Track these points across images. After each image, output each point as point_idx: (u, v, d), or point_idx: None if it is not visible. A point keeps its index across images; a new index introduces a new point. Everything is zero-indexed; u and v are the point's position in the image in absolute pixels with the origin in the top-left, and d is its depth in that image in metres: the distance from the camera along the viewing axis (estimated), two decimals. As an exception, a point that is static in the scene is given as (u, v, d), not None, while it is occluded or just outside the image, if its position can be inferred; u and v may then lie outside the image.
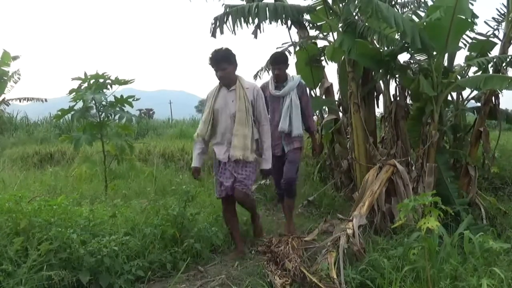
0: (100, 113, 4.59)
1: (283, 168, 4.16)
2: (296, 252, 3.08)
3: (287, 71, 4.28)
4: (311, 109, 4.43)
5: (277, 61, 4.23)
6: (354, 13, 4.88)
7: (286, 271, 2.88)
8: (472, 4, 4.19)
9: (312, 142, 4.68)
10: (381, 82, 5.23)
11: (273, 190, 5.88)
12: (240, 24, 4.65)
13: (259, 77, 6.56)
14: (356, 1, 4.57)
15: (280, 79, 4.21)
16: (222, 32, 4.74)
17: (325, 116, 6.19)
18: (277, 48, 6.13)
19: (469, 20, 4.11)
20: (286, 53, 4.39)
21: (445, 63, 4.87)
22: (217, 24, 4.73)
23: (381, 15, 3.93)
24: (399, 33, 4.29)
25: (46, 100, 15.42)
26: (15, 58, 13.31)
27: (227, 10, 4.94)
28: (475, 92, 5.06)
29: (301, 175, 6.03)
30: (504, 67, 4.80)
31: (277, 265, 3.03)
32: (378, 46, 4.86)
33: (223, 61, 3.45)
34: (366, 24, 4.48)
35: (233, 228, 3.69)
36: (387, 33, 4.44)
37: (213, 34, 4.84)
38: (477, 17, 4.32)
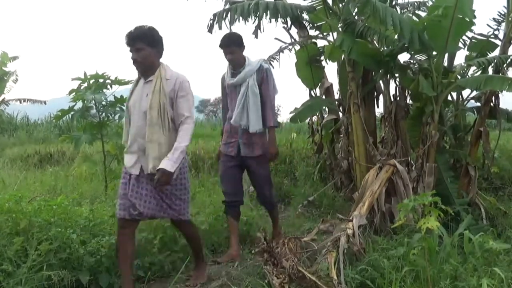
0: (100, 113, 4.60)
1: (240, 177, 3.69)
2: (293, 252, 3.08)
3: (245, 54, 3.60)
4: (273, 100, 3.62)
5: (227, 43, 3.53)
6: (353, 13, 4.88)
7: (283, 269, 2.88)
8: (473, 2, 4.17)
9: (268, 140, 3.64)
10: (381, 82, 5.23)
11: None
12: (239, 20, 4.64)
13: None
14: (353, 2, 4.58)
15: (235, 64, 3.56)
16: (220, 28, 4.74)
17: (325, 116, 6.19)
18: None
19: (469, 20, 4.11)
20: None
21: (445, 63, 4.87)
22: (216, 20, 4.73)
23: (379, 16, 3.93)
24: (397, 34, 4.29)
25: (45, 102, 15.44)
26: (14, 58, 13.32)
27: (227, 5, 4.94)
28: (475, 92, 5.06)
29: (301, 175, 6.04)
30: (504, 68, 4.80)
31: (275, 266, 3.02)
32: (378, 46, 4.87)
33: (138, 39, 2.67)
34: (366, 24, 4.49)
35: (125, 270, 2.70)
36: (387, 33, 4.44)
37: (210, 30, 4.84)
38: (475, 17, 4.32)
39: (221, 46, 3.55)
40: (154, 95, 2.67)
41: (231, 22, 4.61)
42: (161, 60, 2.81)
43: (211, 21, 4.79)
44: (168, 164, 2.59)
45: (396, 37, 4.54)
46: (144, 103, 2.71)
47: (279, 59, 6.29)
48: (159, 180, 2.59)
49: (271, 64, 6.39)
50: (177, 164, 2.62)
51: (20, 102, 14.73)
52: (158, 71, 2.73)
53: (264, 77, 3.53)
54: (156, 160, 2.63)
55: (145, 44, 2.67)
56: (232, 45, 3.51)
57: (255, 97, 3.46)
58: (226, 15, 4.67)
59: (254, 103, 3.45)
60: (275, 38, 6.02)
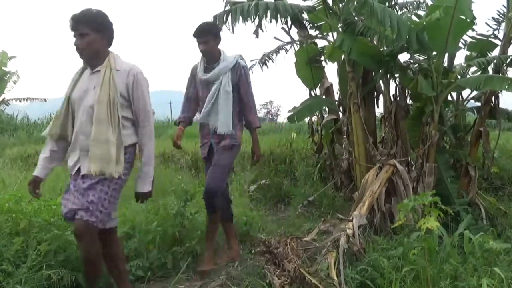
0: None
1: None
2: (295, 253, 3.08)
3: (220, 48, 3.33)
4: (253, 99, 3.37)
5: (201, 33, 3.22)
6: (353, 13, 4.89)
7: (285, 272, 2.88)
8: (473, 2, 4.17)
9: (252, 144, 3.45)
10: (381, 82, 5.23)
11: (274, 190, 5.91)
12: (239, 21, 4.64)
13: (252, 71, 6.54)
14: (352, 2, 4.58)
15: (209, 57, 3.28)
16: (220, 30, 4.75)
17: (325, 116, 6.20)
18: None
19: (470, 20, 4.11)
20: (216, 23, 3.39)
21: (445, 63, 4.87)
22: (217, 22, 4.74)
23: (377, 17, 3.94)
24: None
25: (46, 100, 15.43)
26: (12, 58, 13.34)
27: (228, 6, 4.94)
28: (475, 92, 5.07)
29: (301, 175, 6.04)
30: (504, 67, 4.80)
31: (276, 266, 3.03)
32: (378, 46, 4.87)
33: (83, 24, 2.36)
34: (366, 24, 4.49)
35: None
36: (387, 33, 4.44)
37: None
38: (475, 18, 4.33)
39: (194, 35, 3.25)
40: (103, 88, 2.34)
41: (233, 24, 4.61)
42: (111, 49, 2.50)
43: None
44: (144, 185, 2.46)
45: (395, 37, 4.55)
46: (90, 97, 2.37)
47: (275, 59, 6.32)
48: (140, 202, 2.53)
49: (266, 63, 6.40)
50: (151, 178, 2.47)
51: (20, 101, 14.73)
52: (107, 61, 2.41)
53: (241, 76, 3.28)
54: (101, 163, 2.31)
55: (90, 29, 2.36)
56: (206, 35, 3.21)
57: (227, 97, 3.20)
58: (227, 17, 4.67)
59: (226, 103, 3.19)
60: (275, 37, 6.04)
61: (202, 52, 3.27)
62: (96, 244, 2.38)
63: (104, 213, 2.35)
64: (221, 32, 3.38)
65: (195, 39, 3.26)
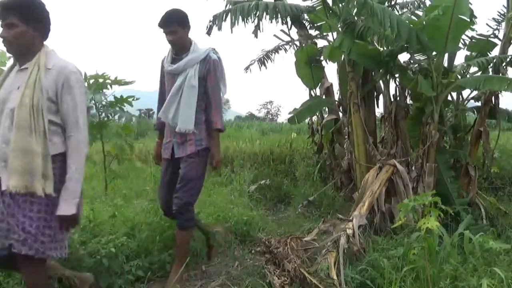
0: (100, 113, 4.60)
1: (174, 183, 2.95)
2: (295, 253, 3.08)
3: (191, 38, 3.02)
4: (220, 97, 3.04)
5: (167, 22, 2.91)
6: (353, 13, 4.89)
7: (285, 272, 2.89)
8: (471, 4, 4.18)
9: (212, 146, 3.02)
10: (381, 82, 5.23)
11: (273, 190, 5.91)
12: (238, 23, 4.65)
13: (250, 70, 6.55)
14: (352, 3, 4.59)
15: (178, 48, 2.99)
16: (220, 29, 4.75)
17: (325, 116, 6.20)
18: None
19: (469, 20, 4.12)
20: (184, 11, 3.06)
21: (445, 63, 4.87)
22: (216, 22, 4.74)
23: (376, 18, 3.94)
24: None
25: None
26: (11, 57, 13.33)
27: (228, 6, 4.95)
28: (475, 92, 5.07)
29: (301, 175, 6.04)
30: (504, 67, 4.81)
31: (276, 266, 3.03)
32: (377, 46, 4.87)
33: (12, 13, 2.00)
34: (366, 24, 4.49)
35: None
36: (387, 33, 4.45)
37: (208, 32, 4.85)
38: (475, 17, 4.33)
39: (160, 25, 2.93)
40: (27, 88, 1.98)
41: (232, 25, 4.61)
42: (46, 43, 2.14)
43: (210, 23, 4.80)
44: (67, 206, 1.98)
45: (395, 37, 4.56)
46: (13, 98, 2.00)
47: (273, 58, 6.32)
48: (63, 228, 2.02)
49: (265, 63, 6.40)
50: (78, 199, 2.01)
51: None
52: (37, 58, 2.05)
53: (210, 70, 2.96)
54: (20, 176, 1.92)
55: (19, 19, 2.00)
56: (173, 24, 2.90)
57: (191, 91, 2.89)
58: (226, 17, 4.67)
59: (189, 98, 2.89)
60: (275, 35, 6.04)
61: (170, 43, 2.98)
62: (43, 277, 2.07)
63: (46, 244, 1.97)
64: (189, 19, 3.00)
65: (161, 30, 2.95)
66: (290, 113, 5.59)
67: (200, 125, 2.97)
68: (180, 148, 2.95)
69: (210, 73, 2.96)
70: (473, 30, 4.97)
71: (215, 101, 2.99)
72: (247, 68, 6.56)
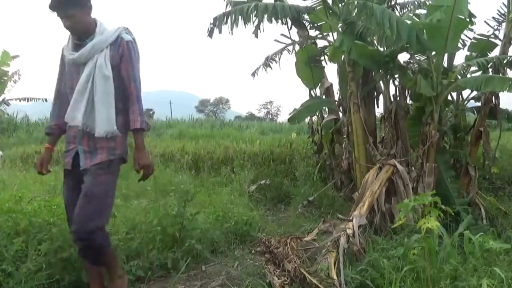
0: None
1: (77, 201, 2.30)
2: (295, 253, 3.08)
3: (96, 18, 2.46)
4: (139, 88, 2.44)
5: (59, 5, 2.31)
6: (353, 14, 4.90)
7: (285, 272, 2.89)
8: (469, 3, 4.18)
9: (136, 149, 2.44)
10: (381, 82, 5.23)
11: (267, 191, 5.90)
12: (238, 24, 4.65)
13: (257, 74, 6.56)
14: (351, 4, 4.59)
15: (80, 33, 2.40)
16: (220, 32, 4.76)
17: (325, 116, 6.20)
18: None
19: (469, 19, 4.12)
20: None
21: (445, 63, 4.87)
22: (216, 24, 4.75)
23: (376, 19, 3.94)
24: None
25: (46, 100, 15.42)
26: (14, 57, 13.32)
27: (228, 7, 4.96)
28: (475, 92, 5.07)
29: (301, 175, 6.04)
30: (504, 67, 4.81)
31: (276, 266, 3.03)
32: (378, 46, 4.87)
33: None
34: (366, 24, 4.49)
35: None
36: (387, 33, 4.45)
37: (210, 34, 4.87)
38: (475, 16, 4.33)
39: (52, 7, 2.32)
40: None
41: (232, 26, 4.62)
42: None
43: (211, 25, 4.81)
44: None
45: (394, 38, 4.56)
46: None
47: (278, 61, 6.32)
48: None
49: (270, 65, 6.38)
50: None
51: (20, 101, 14.71)
52: None
53: (125, 54, 2.39)
54: None
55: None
56: (68, 8, 2.30)
57: (106, 83, 2.32)
58: (226, 19, 4.68)
59: (105, 92, 2.32)
60: (275, 40, 6.04)
61: (68, 29, 2.39)
62: None
63: None
64: None
65: (55, 14, 2.35)
66: (290, 113, 5.60)
67: (118, 128, 2.37)
68: (87, 157, 2.35)
69: (125, 58, 2.39)
70: (471, 30, 4.98)
71: (134, 93, 2.40)
72: (253, 73, 6.59)
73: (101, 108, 2.32)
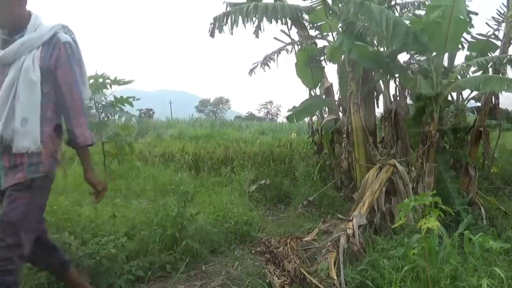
0: (100, 113, 4.60)
1: None
2: (295, 253, 3.08)
3: (31, 11, 2.14)
4: (81, 97, 2.14)
5: None
6: (351, 14, 4.90)
7: (285, 272, 2.89)
8: (470, 2, 4.19)
9: (84, 169, 2.20)
10: (381, 82, 5.23)
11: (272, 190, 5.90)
12: (238, 24, 4.66)
13: (254, 72, 6.55)
14: (351, 4, 4.59)
15: (10, 27, 2.11)
16: (220, 32, 4.78)
17: (325, 116, 6.20)
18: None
19: (468, 20, 4.12)
20: None
21: (445, 63, 4.87)
22: (216, 24, 4.76)
23: (374, 19, 3.94)
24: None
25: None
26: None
27: (228, 8, 4.97)
28: (475, 92, 5.07)
29: (301, 175, 6.04)
30: (504, 67, 4.80)
31: (276, 266, 3.03)
32: (377, 46, 4.87)
33: None
34: (366, 24, 4.49)
35: None
36: (384, 33, 4.45)
37: (212, 34, 4.88)
38: (476, 14, 4.32)
39: None
40: None
41: (232, 26, 4.63)
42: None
43: (212, 25, 4.83)
44: None
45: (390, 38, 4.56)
46: None
47: (276, 60, 6.32)
48: None
49: (268, 64, 6.37)
50: None
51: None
52: None
53: (61, 57, 2.07)
54: None
55: None
56: None
57: (31, 89, 2.00)
58: (226, 19, 4.70)
59: (28, 98, 1.99)
60: (275, 38, 6.04)
61: None
62: None
63: None
64: None
65: None
66: (289, 111, 5.58)
67: (45, 141, 2.06)
68: (8, 175, 2.02)
69: (62, 63, 2.07)
70: (469, 33, 4.97)
71: (74, 104, 2.09)
72: (251, 71, 6.57)
73: (24, 118, 1.98)
